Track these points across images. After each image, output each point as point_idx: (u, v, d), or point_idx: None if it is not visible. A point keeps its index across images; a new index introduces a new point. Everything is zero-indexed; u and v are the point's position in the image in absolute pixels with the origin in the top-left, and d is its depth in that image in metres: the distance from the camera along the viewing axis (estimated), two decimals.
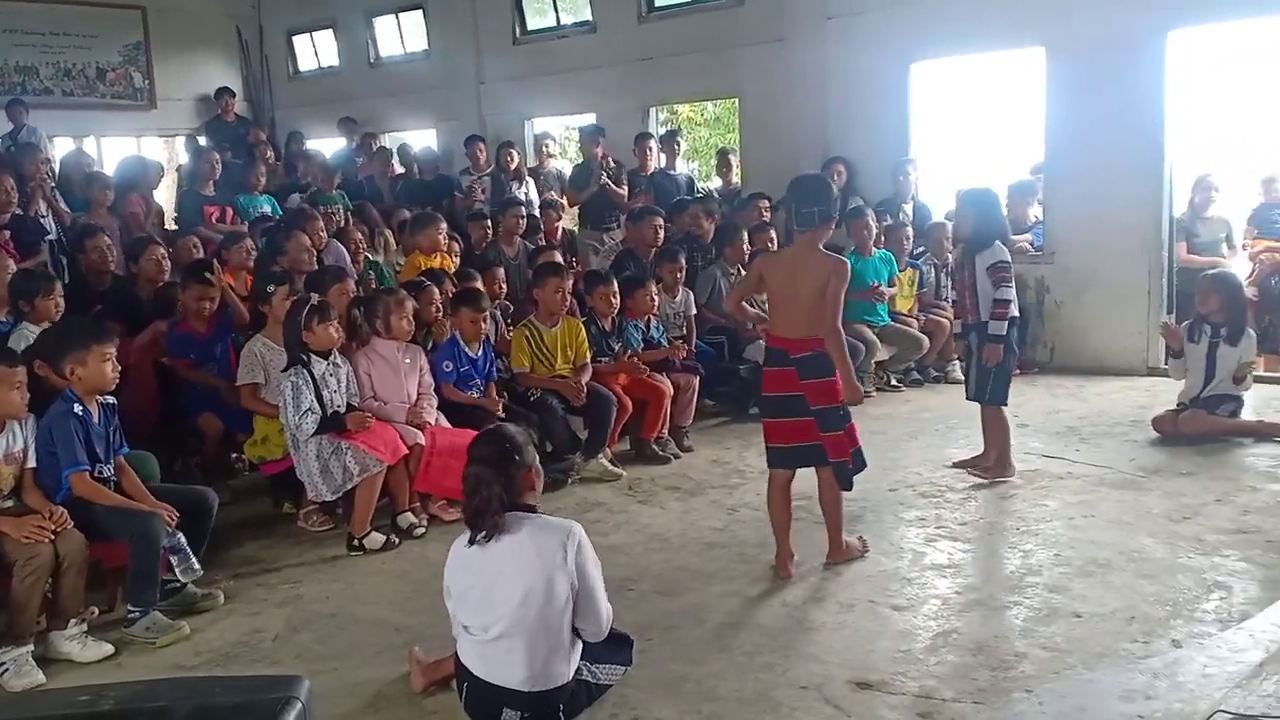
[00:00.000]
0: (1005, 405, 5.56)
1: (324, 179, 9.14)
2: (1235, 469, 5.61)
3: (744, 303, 5.11)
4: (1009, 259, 5.47)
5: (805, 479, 4.59)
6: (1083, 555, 4.52)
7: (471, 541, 3.23)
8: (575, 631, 3.26)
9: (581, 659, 3.29)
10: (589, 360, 6.19)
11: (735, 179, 10.08)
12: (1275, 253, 7.97)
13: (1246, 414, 6.27)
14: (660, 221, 7.93)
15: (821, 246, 4.45)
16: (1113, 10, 7.57)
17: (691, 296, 7.37)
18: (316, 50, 14.25)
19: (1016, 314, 5.57)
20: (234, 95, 13.30)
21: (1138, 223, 7.82)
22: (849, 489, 4.53)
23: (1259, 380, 6.63)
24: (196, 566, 4.29)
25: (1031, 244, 8.53)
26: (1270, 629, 3.38)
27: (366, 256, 7.51)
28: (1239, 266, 7.90)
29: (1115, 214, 7.87)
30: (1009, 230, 5.76)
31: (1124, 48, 7.59)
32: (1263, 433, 6.09)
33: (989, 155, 9.81)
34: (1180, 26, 7.46)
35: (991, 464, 5.63)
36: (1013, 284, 5.45)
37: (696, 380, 6.68)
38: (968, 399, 5.71)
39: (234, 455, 5.92)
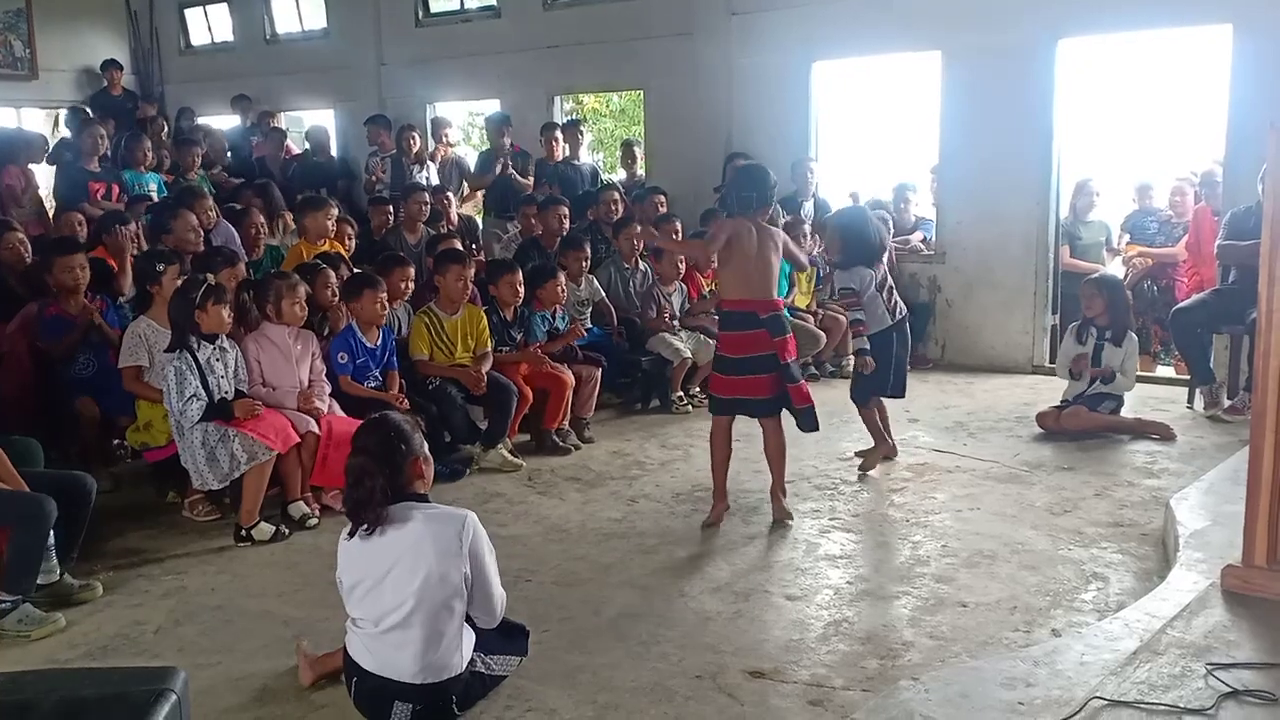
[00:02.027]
0: (864, 405, 5.76)
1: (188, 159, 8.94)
2: (1114, 464, 5.83)
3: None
4: (854, 285, 5.57)
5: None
6: (969, 547, 4.64)
7: (352, 534, 3.16)
8: (469, 620, 3.21)
9: (475, 650, 3.25)
10: (490, 349, 6.12)
11: (639, 171, 10.09)
12: (1147, 258, 8.30)
13: (1126, 412, 6.52)
14: (566, 211, 7.90)
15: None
16: (1006, 18, 7.78)
17: (597, 283, 7.36)
18: (210, 24, 13.76)
19: (888, 322, 5.68)
20: (121, 68, 12.76)
21: (1026, 225, 8.07)
22: (816, 429, 4.96)
23: (1137, 379, 6.88)
24: (56, 566, 4.12)
25: (924, 241, 8.77)
26: (1144, 618, 3.49)
27: (266, 244, 7.28)
28: (1115, 270, 8.20)
29: (1005, 216, 8.12)
30: (876, 251, 5.76)
31: (1016, 55, 7.81)
32: (1140, 430, 6.33)
33: (886, 155, 10.03)
34: (1070, 36, 7.71)
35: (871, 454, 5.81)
36: (861, 306, 5.56)
37: (598, 371, 6.67)
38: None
39: (115, 442, 5.69)
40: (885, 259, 5.92)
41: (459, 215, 9.09)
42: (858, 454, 5.85)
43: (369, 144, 10.33)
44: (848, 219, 5.93)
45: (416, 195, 8.10)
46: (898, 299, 5.81)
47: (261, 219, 7.33)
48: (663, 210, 8.44)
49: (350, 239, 7.37)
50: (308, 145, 10.78)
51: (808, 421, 4.92)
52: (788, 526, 4.92)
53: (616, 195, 8.64)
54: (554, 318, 6.64)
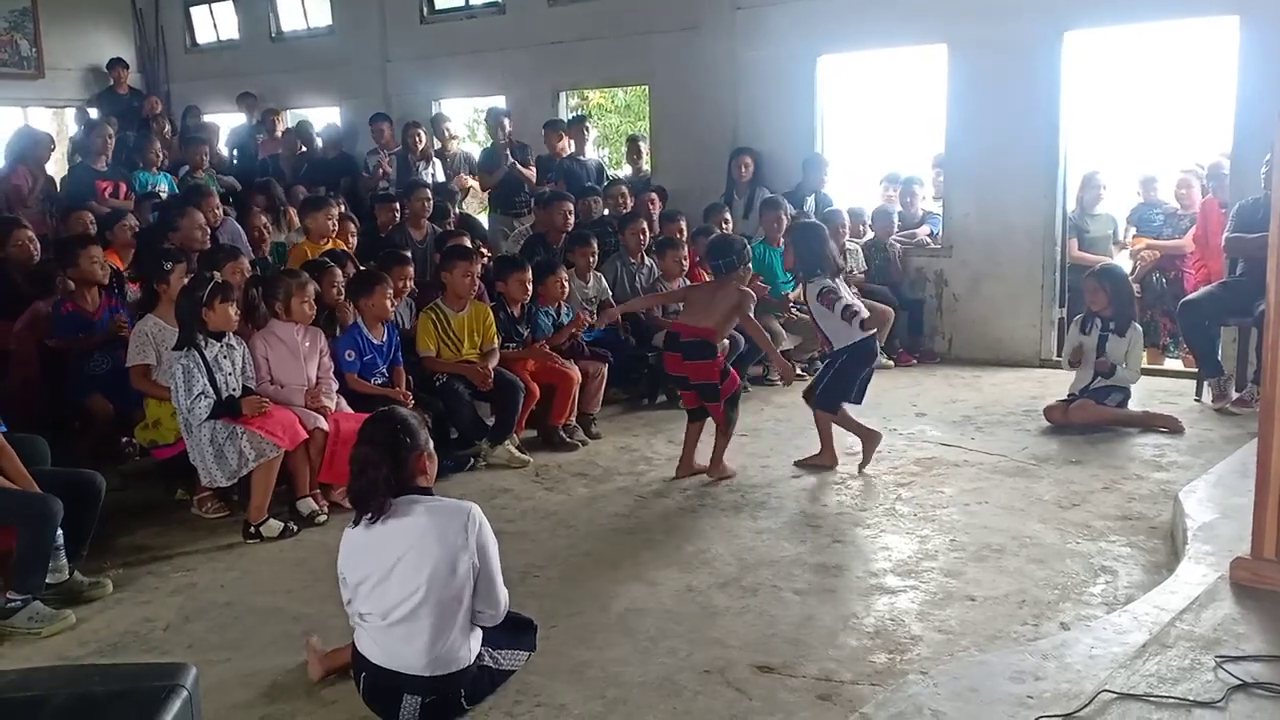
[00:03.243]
0: (829, 411, 5.69)
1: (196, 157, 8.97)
2: (1122, 458, 5.81)
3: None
4: (830, 285, 5.52)
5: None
6: (977, 540, 4.63)
7: (356, 523, 3.18)
8: (474, 615, 3.22)
9: (484, 645, 3.26)
10: (496, 346, 6.12)
11: (645, 167, 10.09)
12: (1154, 250, 8.27)
13: (1134, 405, 6.50)
14: (570, 207, 7.91)
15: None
16: (1011, 11, 7.75)
17: (604, 280, 7.36)
18: (215, 22, 13.77)
19: (858, 336, 5.57)
20: (127, 67, 12.80)
21: (1032, 218, 8.05)
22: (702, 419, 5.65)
23: (1144, 373, 6.88)
24: (65, 565, 4.13)
25: (930, 235, 8.76)
26: (1153, 611, 3.49)
27: (273, 242, 7.30)
28: (1123, 263, 8.18)
29: (1011, 210, 8.09)
30: (830, 263, 5.68)
31: (1022, 48, 7.78)
32: (1148, 423, 6.31)
33: (892, 148, 10.02)
34: (1076, 28, 7.68)
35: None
36: (841, 299, 5.49)
37: (605, 368, 6.67)
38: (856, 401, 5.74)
39: (124, 439, 5.70)
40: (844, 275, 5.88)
41: (458, 214, 9.08)
42: (797, 463, 5.76)
43: (374, 141, 10.34)
44: (803, 231, 5.93)
45: (419, 192, 8.11)
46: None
47: (264, 218, 7.35)
48: (656, 209, 8.44)
49: (352, 235, 7.39)
50: (301, 144, 10.78)
51: (730, 420, 5.60)
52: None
53: (625, 189, 8.64)
54: (558, 314, 6.64)
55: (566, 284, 6.66)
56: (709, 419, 5.61)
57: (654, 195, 8.65)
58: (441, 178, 9.84)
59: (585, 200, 8.48)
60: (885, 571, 4.37)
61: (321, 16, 12.62)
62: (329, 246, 6.82)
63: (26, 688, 2.03)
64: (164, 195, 8.49)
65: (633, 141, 10.53)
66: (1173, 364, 8.10)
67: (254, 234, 7.10)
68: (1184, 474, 5.32)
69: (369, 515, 3.15)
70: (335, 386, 5.39)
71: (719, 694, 3.37)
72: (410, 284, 6.35)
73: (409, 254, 6.73)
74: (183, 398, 4.79)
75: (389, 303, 5.67)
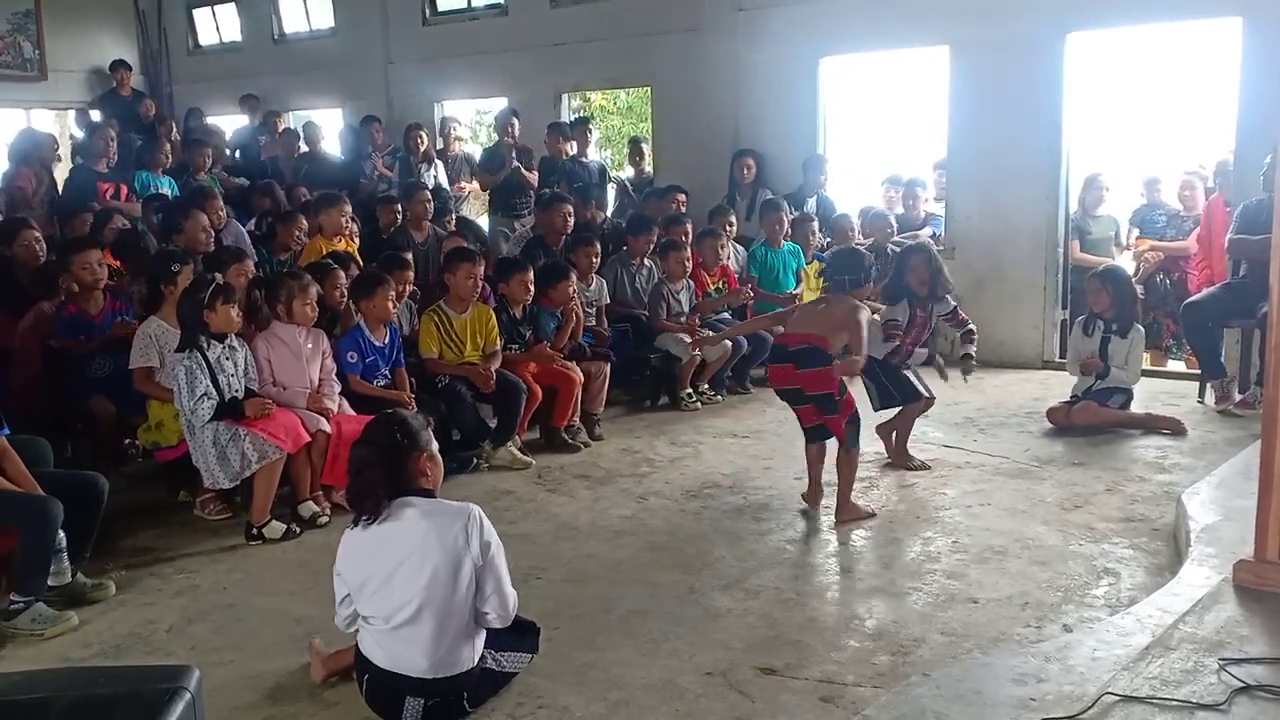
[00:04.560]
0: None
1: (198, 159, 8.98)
2: (1124, 460, 5.80)
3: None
4: (898, 316, 5.72)
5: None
6: (980, 543, 4.63)
7: (355, 523, 3.18)
8: (480, 616, 3.22)
9: (486, 647, 3.26)
10: (499, 347, 6.13)
11: (647, 168, 10.09)
12: (1158, 252, 8.27)
13: (1136, 407, 6.50)
14: (570, 209, 7.89)
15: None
16: (1014, 12, 7.74)
17: (605, 284, 7.35)
18: (218, 24, 13.81)
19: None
20: (130, 68, 12.82)
21: (1035, 220, 8.04)
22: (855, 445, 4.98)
23: (1146, 374, 6.88)
24: (68, 567, 4.13)
25: (934, 237, 8.74)
26: (1156, 614, 3.49)
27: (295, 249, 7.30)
28: (1126, 265, 8.17)
29: (1013, 211, 8.09)
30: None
31: (1024, 49, 7.77)
32: (1151, 425, 6.30)
33: (893, 150, 10.02)
34: (1079, 29, 7.68)
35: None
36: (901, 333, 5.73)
37: (607, 366, 6.67)
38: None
39: (127, 441, 5.70)
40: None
41: (455, 217, 9.07)
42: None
43: (368, 143, 10.35)
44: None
45: (419, 195, 8.12)
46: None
47: (305, 222, 7.29)
48: (682, 209, 8.45)
49: (354, 237, 7.40)
50: (304, 145, 10.80)
51: (851, 439, 4.98)
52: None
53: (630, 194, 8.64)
54: (562, 315, 6.63)
55: (575, 290, 6.66)
56: (830, 438, 5.04)
57: (681, 197, 8.65)
58: (445, 179, 9.84)
59: (589, 207, 8.50)
60: (888, 573, 4.37)
61: (324, 18, 12.64)
62: (341, 246, 6.84)
63: (31, 689, 2.03)
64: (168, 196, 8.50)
65: (635, 143, 10.54)
66: (1175, 366, 8.10)
67: (291, 237, 7.07)
68: (1187, 476, 5.32)
69: (366, 516, 3.15)
70: (339, 388, 5.39)
71: (721, 696, 3.37)
72: (409, 287, 6.35)
73: (410, 256, 6.73)
74: (185, 399, 4.79)
75: (390, 304, 5.67)
